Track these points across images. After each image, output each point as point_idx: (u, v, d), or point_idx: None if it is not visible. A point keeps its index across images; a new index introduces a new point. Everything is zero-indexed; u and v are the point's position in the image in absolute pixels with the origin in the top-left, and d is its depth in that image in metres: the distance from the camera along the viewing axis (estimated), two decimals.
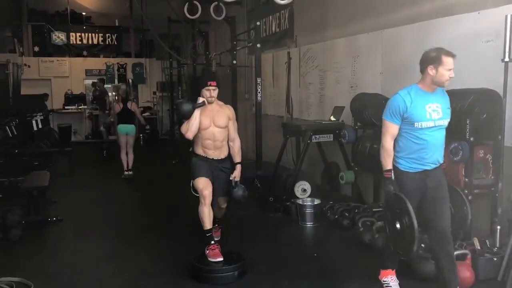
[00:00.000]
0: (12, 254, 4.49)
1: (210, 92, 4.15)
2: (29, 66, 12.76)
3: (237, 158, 4.37)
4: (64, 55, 14.14)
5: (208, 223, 4.05)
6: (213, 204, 4.36)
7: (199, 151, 4.28)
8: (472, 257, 3.71)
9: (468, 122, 4.05)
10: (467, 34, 4.50)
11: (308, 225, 5.28)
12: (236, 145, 4.37)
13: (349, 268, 4.04)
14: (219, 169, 4.31)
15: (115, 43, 14.74)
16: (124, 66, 14.32)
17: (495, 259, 3.74)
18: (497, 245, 3.87)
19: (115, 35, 14.70)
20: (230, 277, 3.77)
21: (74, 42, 14.22)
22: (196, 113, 4.12)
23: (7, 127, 9.89)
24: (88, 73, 14.29)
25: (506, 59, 3.75)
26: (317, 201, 5.44)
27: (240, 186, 4.31)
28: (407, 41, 5.31)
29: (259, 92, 6.52)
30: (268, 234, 5.01)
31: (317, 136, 5.89)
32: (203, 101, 4.15)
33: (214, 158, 4.27)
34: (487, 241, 3.93)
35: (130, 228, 5.40)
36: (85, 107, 13.91)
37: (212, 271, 3.76)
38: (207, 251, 3.94)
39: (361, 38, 6.13)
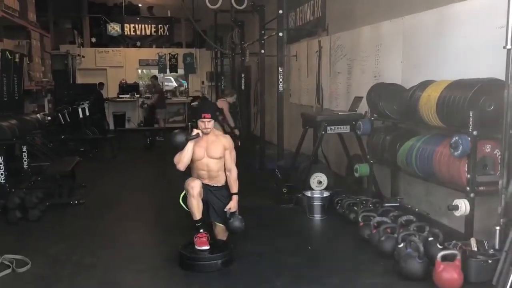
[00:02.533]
0: (25, 233, 4.81)
1: (205, 123, 4.13)
2: (83, 57, 13.42)
3: (234, 188, 4.29)
4: (119, 45, 14.74)
5: (197, 214, 4.07)
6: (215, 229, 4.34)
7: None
8: (463, 259, 3.48)
9: (471, 114, 3.78)
10: (481, 20, 4.19)
11: (316, 218, 5.20)
12: (233, 175, 4.29)
13: (338, 262, 3.95)
14: (215, 196, 4.28)
15: (167, 33, 15.13)
16: (176, 56, 14.69)
17: (489, 261, 3.48)
18: (496, 246, 3.60)
19: (167, 25, 15.08)
20: (213, 266, 3.80)
21: (128, 33, 14.77)
22: (189, 145, 4.10)
23: (59, 114, 10.55)
24: (141, 63, 14.81)
25: (509, 46, 3.45)
26: (326, 194, 5.33)
27: (237, 217, 4.25)
28: (424, 29, 5.03)
29: (280, 82, 6.43)
30: (272, 225, 4.99)
31: (333, 127, 5.75)
32: (197, 133, 4.14)
33: (210, 184, 4.28)
34: (485, 242, 3.67)
35: (143, 212, 5.60)
36: (138, 96, 14.45)
37: (194, 259, 3.81)
38: (195, 239, 3.98)
39: (384, 25, 5.87)
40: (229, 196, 4.28)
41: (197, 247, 3.92)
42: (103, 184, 7.24)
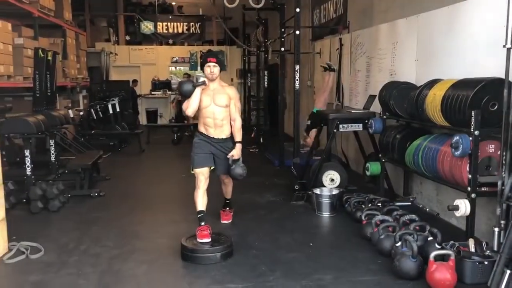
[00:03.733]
0: (44, 222, 5.07)
1: (210, 68, 4.34)
2: (116, 54, 13.82)
3: (237, 137, 4.52)
4: (152, 43, 15.09)
5: (200, 206, 4.23)
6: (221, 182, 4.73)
7: (201, 129, 4.49)
8: (458, 259, 3.45)
9: (473, 113, 3.72)
10: (490, 18, 4.10)
11: (325, 215, 5.22)
12: (237, 124, 4.51)
13: (335, 260, 3.96)
14: (219, 149, 4.48)
15: (199, 31, 15.37)
16: None
17: (485, 263, 3.44)
18: (495, 248, 3.55)
19: (199, 23, 15.32)
20: (212, 258, 3.90)
21: (161, 31, 15.10)
22: (197, 91, 4.32)
23: (92, 110, 10.95)
24: (173, 60, 15.12)
25: (508, 45, 3.39)
26: (335, 191, 5.34)
27: (238, 164, 4.47)
28: (437, 26, 4.96)
29: (297, 80, 6.47)
30: (279, 221, 5.04)
31: (345, 126, 5.74)
32: (204, 80, 4.35)
33: (215, 137, 4.44)
34: (484, 243, 3.62)
35: (158, 205, 5.78)
36: (170, 92, 14.76)
37: (194, 251, 3.92)
38: (197, 232, 4.11)
39: (400, 23, 5.82)
40: (233, 146, 4.48)
41: (199, 240, 4.05)
42: (126, 177, 7.48)
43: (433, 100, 4.25)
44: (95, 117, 10.84)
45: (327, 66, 7.79)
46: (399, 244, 3.75)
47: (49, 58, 8.25)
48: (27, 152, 5.88)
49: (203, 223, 4.15)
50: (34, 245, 4.23)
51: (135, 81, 14.11)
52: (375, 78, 6.61)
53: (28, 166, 5.92)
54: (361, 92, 7.19)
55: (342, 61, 7.81)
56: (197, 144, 4.47)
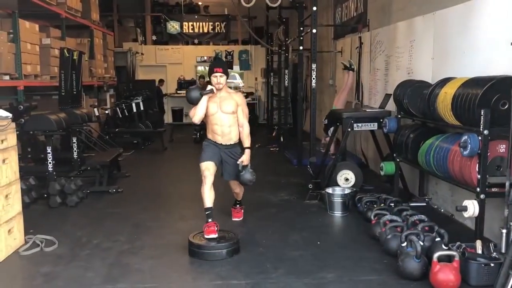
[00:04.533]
0: (62, 216, 5.22)
1: (217, 78, 4.37)
2: (142, 54, 14.06)
3: (246, 143, 4.54)
4: (177, 43, 15.29)
5: (207, 202, 4.28)
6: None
7: (209, 135, 4.54)
8: (463, 261, 3.39)
9: (482, 112, 3.65)
10: (503, 16, 4.01)
11: (336, 214, 5.20)
12: (245, 130, 4.53)
13: (340, 259, 3.95)
14: (228, 154, 4.53)
15: (224, 31, 15.48)
16: (231, 53, 15.01)
17: (492, 265, 3.37)
18: (503, 250, 3.46)
19: (224, 23, 15.43)
20: (217, 255, 3.95)
21: (187, 31, 15.28)
22: (204, 99, 4.37)
23: (117, 108, 11.20)
24: (199, 60, 15.27)
25: None
26: (347, 191, 5.31)
27: (248, 170, 4.50)
28: (452, 24, 4.87)
29: (313, 79, 6.45)
30: (290, 220, 5.05)
31: (359, 125, 5.70)
32: (211, 89, 4.39)
33: (223, 144, 4.48)
34: (491, 244, 3.55)
35: (172, 202, 5.89)
36: None
37: (200, 247, 3.98)
38: (204, 228, 4.17)
39: (417, 21, 5.73)
40: (242, 152, 4.51)
41: (205, 236, 4.11)
42: (146, 175, 7.62)
43: (444, 99, 4.18)
44: (121, 116, 11.09)
45: (347, 65, 7.73)
46: (404, 244, 3.71)
47: (75, 57, 8.46)
48: (49, 149, 6.06)
49: (210, 220, 4.20)
50: (49, 238, 4.39)
51: (161, 81, 14.33)
52: (393, 77, 6.52)
53: (50, 163, 6.10)
54: (380, 91, 7.11)
55: (362, 59, 7.75)
56: (206, 146, 4.52)
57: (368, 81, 7.58)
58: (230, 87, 4.66)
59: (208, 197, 4.28)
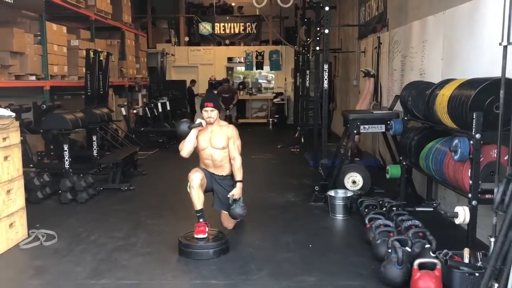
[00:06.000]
0: (70, 212, 5.40)
1: (208, 112, 4.37)
2: (172, 55, 14.31)
3: (238, 176, 4.46)
4: (209, 44, 15.47)
5: (197, 205, 4.26)
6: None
7: (202, 166, 4.55)
8: (446, 269, 3.27)
9: (474, 115, 3.50)
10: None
11: (338, 218, 5.12)
12: (237, 163, 4.46)
13: (327, 262, 3.89)
14: (220, 184, 4.52)
15: (255, 31, 15.53)
16: (262, 53, 15.04)
17: (476, 274, 3.22)
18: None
19: (255, 24, 15.47)
20: (204, 254, 3.98)
21: (218, 32, 15.43)
22: (192, 133, 4.36)
23: (146, 108, 11.48)
24: (230, 60, 15.39)
25: (505, 43, 3.15)
26: (350, 194, 5.22)
27: (239, 204, 4.44)
28: (459, 23, 4.70)
29: (325, 79, 6.37)
30: (289, 222, 5.02)
31: (366, 127, 5.60)
32: (200, 122, 4.38)
33: (215, 174, 4.50)
34: (479, 253, 3.39)
35: (179, 202, 5.92)
36: None
37: (188, 246, 4.03)
38: (195, 228, 4.21)
39: (429, 20, 5.56)
40: (234, 184, 4.46)
41: (195, 235, 4.15)
42: (163, 173, 7.75)
43: (442, 101, 4.04)
44: (149, 115, 11.35)
45: (366, 71, 7.61)
46: (390, 250, 3.61)
47: (102, 58, 8.73)
48: (65, 147, 6.30)
49: (201, 220, 4.23)
50: (51, 233, 4.55)
51: (193, 81, 14.56)
52: (408, 78, 6.36)
53: (66, 160, 6.33)
54: (396, 92, 6.93)
55: (381, 60, 7.59)
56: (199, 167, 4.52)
57: (386, 82, 7.42)
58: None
59: (197, 199, 4.25)
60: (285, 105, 14.50)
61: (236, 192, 4.42)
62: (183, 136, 4.40)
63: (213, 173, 4.49)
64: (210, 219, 4.41)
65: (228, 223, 4.66)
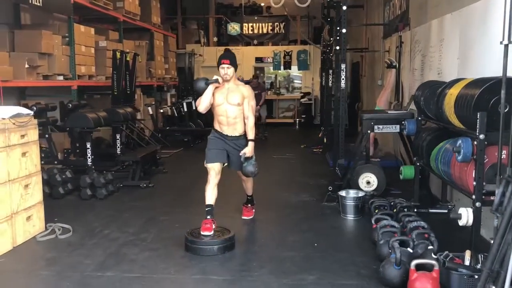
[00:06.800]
0: (89, 207, 5.59)
1: (224, 69, 4.49)
2: (201, 55, 14.48)
3: (250, 135, 4.61)
4: (238, 44, 15.58)
5: (209, 200, 4.38)
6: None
7: (216, 126, 4.67)
8: (444, 270, 3.23)
9: (478, 116, 3.43)
10: None
11: (349, 218, 5.11)
12: (250, 122, 4.59)
13: (329, 262, 3.90)
14: (233, 146, 4.63)
15: (283, 31, 15.53)
16: (290, 53, 15.03)
17: (476, 276, 3.17)
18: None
19: (283, 23, 15.47)
20: (209, 251, 4.06)
21: (247, 32, 15.51)
22: (209, 89, 4.48)
23: (174, 108, 11.70)
24: (258, 60, 15.45)
25: (505, 41, 3.08)
26: (361, 194, 5.19)
27: (250, 162, 4.56)
28: (474, 22, 4.61)
29: (343, 79, 6.35)
30: (299, 221, 5.03)
31: (380, 127, 5.55)
32: (217, 79, 4.51)
33: (228, 135, 4.59)
34: (480, 255, 3.33)
35: (195, 200, 6.03)
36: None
37: (193, 242, 4.12)
38: (202, 224, 4.29)
39: (447, 19, 5.47)
40: (246, 143, 4.58)
41: (201, 232, 4.23)
42: (184, 171, 7.87)
43: (449, 101, 3.98)
44: (176, 115, 11.57)
45: (389, 62, 7.54)
46: (390, 251, 3.59)
47: (128, 59, 8.97)
48: (88, 145, 6.52)
49: (209, 217, 4.31)
50: (67, 226, 4.74)
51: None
52: (427, 77, 6.25)
53: (89, 157, 6.56)
54: None
55: (403, 59, 7.49)
56: (211, 140, 4.65)
57: (408, 82, 7.32)
58: (238, 79, 4.73)
59: (210, 194, 4.39)
60: (312, 105, 14.45)
61: (248, 150, 4.53)
62: (200, 92, 4.54)
63: (226, 135, 4.58)
64: (218, 216, 4.48)
65: (246, 182, 4.91)
